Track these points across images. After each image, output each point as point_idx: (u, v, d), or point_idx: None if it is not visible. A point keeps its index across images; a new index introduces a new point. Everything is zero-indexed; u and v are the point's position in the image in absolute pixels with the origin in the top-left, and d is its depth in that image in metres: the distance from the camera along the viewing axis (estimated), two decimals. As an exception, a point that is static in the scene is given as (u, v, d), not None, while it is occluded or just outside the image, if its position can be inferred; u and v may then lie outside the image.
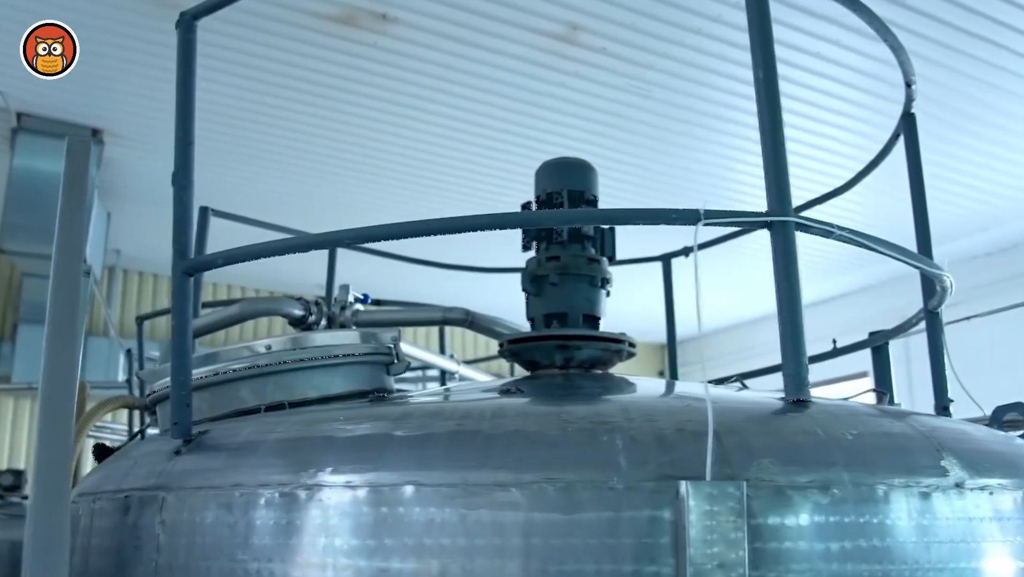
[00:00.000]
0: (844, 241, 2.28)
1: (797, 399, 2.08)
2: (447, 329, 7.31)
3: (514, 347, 2.99)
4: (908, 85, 2.90)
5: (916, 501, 1.88)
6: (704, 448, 1.80)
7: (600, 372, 2.95)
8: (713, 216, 2.07)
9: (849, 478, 1.85)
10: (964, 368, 3.15)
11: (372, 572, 1.79)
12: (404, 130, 7.56)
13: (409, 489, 1.81)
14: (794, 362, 2.09)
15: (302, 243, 2.24)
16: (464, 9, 5.91)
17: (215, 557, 1.95)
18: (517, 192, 8.86)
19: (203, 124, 7.45)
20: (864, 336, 4.03)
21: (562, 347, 2.89)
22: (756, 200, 8.53)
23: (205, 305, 4.67)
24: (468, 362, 6.56)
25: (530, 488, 1.77)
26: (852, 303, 12.08)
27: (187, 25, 2.45)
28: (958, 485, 1.94)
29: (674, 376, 5.00)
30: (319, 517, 1.87)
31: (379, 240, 2.19)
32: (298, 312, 3.51)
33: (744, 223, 2.14)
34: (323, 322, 3.61)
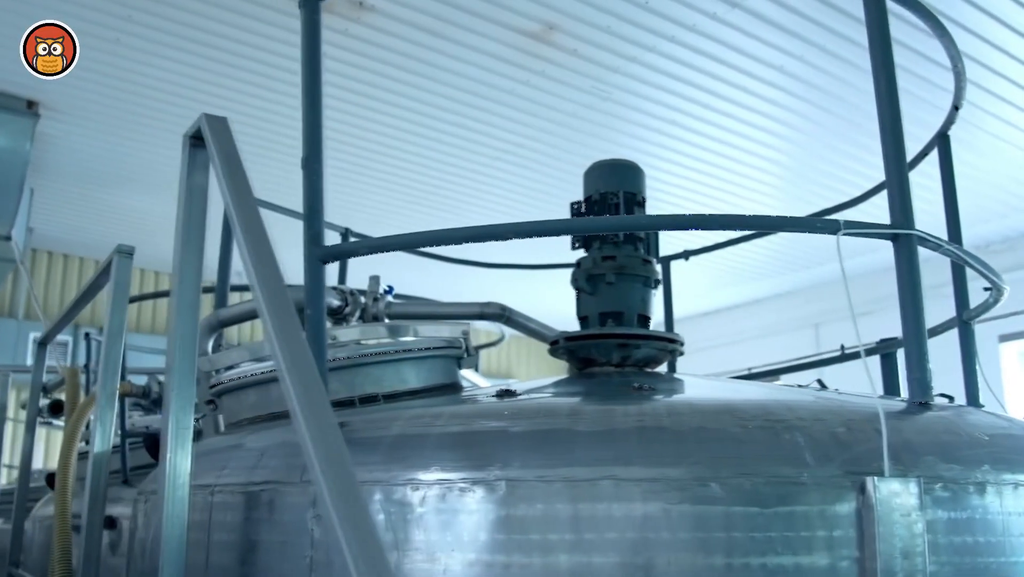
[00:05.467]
0: (948, 255, 2.45)
1: (922, 401, 2.21)
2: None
3: (570, 344, 3.03)
4: (955, 108, 3.09)
5: (1049, 498, 2.04)
6: (877, 445, 1.90)
7: (650, 370, 3.03)
8: (851, 227, 2.19)
9: (995, 476, 1.99)
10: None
11: (573, 567, 1.80)
12: (358, 119, 7.44)
13: (607, 484, 1.83)
14: (918, 367, 2.22)
15: (447, 236, 2.21)
16: (444, 2, 5.87)
17: (387, 552, 1.91)
18: (465, 186, 8.88)
19: (163, 107, 7.10)
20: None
21: (622, 345, 2.95)
22: (689, 204, 8.68)
23: (234, 289, 4.49)
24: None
25: (729, 483, 1.82)
26: (757, 310, 12.69)
27: (311, 6, 2.38)
28: (1078, 484, 2.11)
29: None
30: (506, 511, 1.86)
31: (504, 239, 2.21)
32: (336, 302, 3.43)
33: (875, 234, 2.26)
34: (356, 313, 3.54)
